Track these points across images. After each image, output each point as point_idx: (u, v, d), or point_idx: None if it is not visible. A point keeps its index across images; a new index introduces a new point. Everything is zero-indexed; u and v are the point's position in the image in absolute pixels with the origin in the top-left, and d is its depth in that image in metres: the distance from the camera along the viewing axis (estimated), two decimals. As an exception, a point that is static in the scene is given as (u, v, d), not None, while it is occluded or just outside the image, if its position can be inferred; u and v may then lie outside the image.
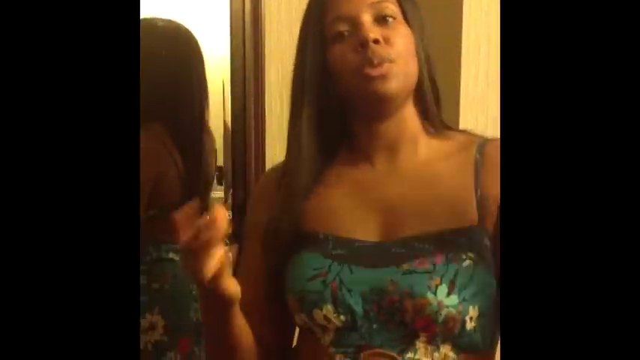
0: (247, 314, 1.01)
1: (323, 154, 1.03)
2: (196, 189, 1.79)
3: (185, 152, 1.78)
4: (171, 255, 1.78)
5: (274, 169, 1.10)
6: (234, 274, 0.92)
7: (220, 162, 2.06)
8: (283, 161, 1.06)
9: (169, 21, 1.86)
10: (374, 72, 0.95)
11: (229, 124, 1.87)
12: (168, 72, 1.76)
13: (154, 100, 1.68)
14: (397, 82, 0.96)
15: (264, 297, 1.04)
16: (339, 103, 1.01)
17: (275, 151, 1.75)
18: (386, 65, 0.95)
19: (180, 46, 1.82)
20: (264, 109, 1.77)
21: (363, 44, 0.95)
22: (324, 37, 0.99)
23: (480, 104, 1.68)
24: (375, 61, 0.95)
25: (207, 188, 1.88)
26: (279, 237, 1.01)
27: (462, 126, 1.66)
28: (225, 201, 2.03)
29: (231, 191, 1.92)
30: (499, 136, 0.82)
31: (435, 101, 1.03)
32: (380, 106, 0.99)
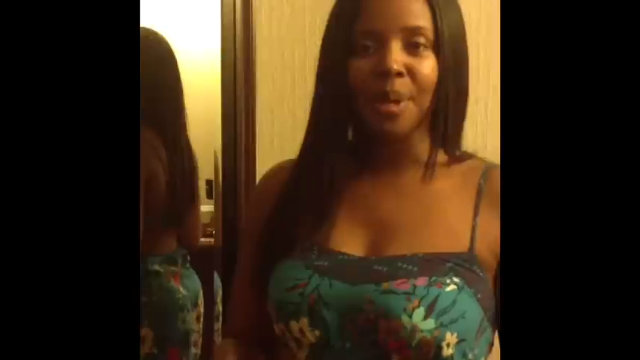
0: (236, 314, 1.07)
1: (331, 163, 0.98)
2: (183, 197, 1.80)
3: (170, 158, 1.77)
4: (156, 267, 1.79)
5: (280, 168, 1.06)
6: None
7: (210, 176, 2.03)
8: (292, 161, 1.03)
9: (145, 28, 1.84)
10: (387, 109, 0.91)
11: (220, 136, 1.82)
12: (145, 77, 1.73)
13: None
14: (408, 122, 0.93)
15: (252, 297, 1.02)
16: (351, 115, 0.97)
17: (266, 165, 1.68)
18: (402, 104, 0.91)
19: (155, 51, 1.82)
20: (255, 123, 1.73)
21: (384, 73, 0.90)
22: (348, 45, 0.94)
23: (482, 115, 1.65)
24: (392, 97, 0.91)
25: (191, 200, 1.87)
26: (272, 239, 0.99)
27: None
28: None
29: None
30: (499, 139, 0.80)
31: (456, 129, 0.98)
32: (388, 138, 0.96)
